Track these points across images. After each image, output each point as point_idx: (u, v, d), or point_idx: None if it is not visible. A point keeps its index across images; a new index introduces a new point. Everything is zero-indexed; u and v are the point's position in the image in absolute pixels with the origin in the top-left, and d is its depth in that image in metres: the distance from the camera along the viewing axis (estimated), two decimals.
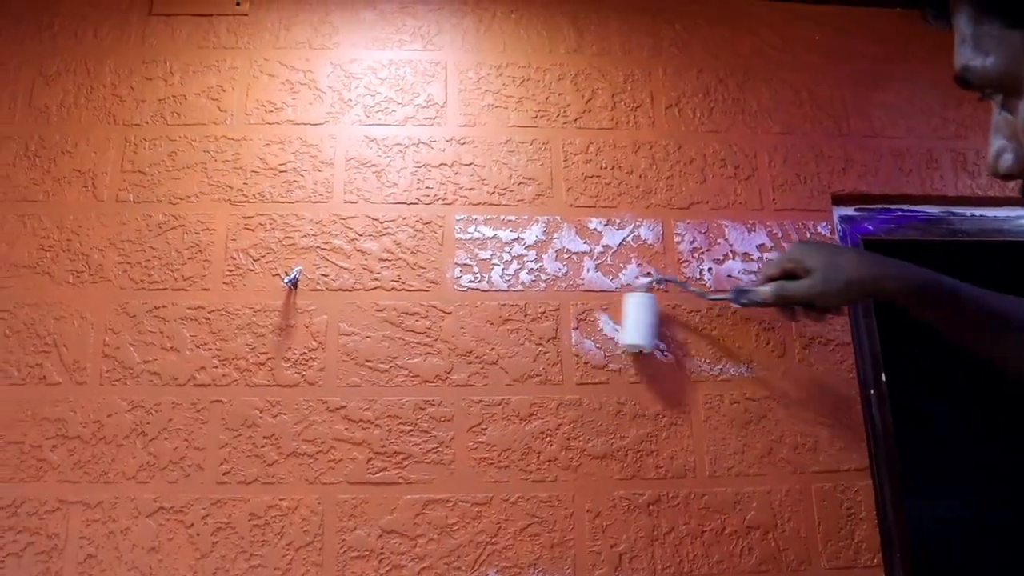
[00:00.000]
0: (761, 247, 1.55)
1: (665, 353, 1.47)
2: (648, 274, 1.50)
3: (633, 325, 1.43)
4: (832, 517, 1.41)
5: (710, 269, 1.53)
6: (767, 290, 1.23)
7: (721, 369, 1.48)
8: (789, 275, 1.21)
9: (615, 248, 1.53)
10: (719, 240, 1.55)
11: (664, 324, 1.48)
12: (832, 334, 1.51)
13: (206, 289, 1.45)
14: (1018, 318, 0.98)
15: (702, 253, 1.54)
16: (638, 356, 1.46)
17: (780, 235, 1.56)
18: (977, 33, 0.63)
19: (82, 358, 1.42)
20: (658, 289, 1.49)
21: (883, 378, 1.54)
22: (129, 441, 1.38)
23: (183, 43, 1.61)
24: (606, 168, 1.58)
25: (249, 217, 1.50)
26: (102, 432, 1.38)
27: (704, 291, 1.48)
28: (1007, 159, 0.64)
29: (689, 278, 1.52)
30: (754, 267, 1.53)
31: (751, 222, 1.56)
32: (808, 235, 1.57)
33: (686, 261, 1.53)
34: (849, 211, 1.64)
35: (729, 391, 1.47)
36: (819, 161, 1.62)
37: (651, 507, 1.39)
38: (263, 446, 1.38)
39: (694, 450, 1.43)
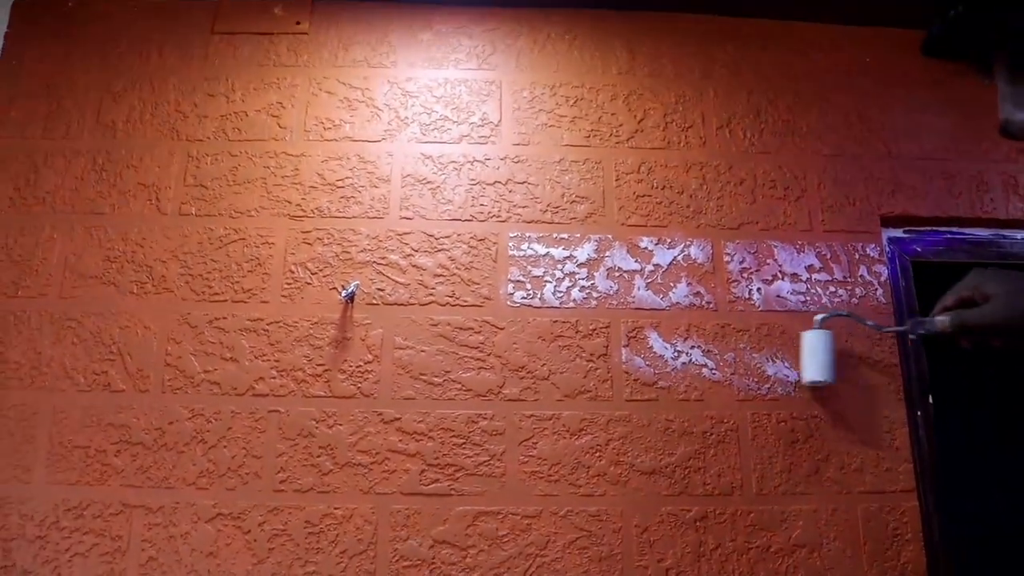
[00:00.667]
0: (810, 268, 1.56)
1: (714, 372, 1.49)
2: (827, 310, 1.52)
3: (811, 362, 1.46)
4: (878, 538, 1.42)
5: (759, 289, 1.54)
6: (944, 320, 1.15)
7: (769, 388, 1.49)
8: (967, 303, 1.13)
9: (665, 267, 1.55)
10: (768, 260, 1.56)
11: (714, 339, 1.50)
12: (880, 355, 1.52)
13: (265, 301, 1.49)
14: None
15: (751, 273, 1.55)
16: (685, 374, 1.48)
17: (829, 256, 1.57)
18: (1015, 91, 0.64)
19: (145, 366, 1.46)
20: (831, 318, 1.51)
21: (930, 400, 1.54)
22: (189, 448, 1.42)
23: (244, 61, 1.66)
24: (657, 188, 1.60)
25: (307, 232, 1.53)
26: (164, 439, 1.42)
27: (880, 325, 1.49)
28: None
29: (739, 298, 1.53)
30: (803, 288, 1.55)
31: (800, 243, 1.58)
32: (857, 256, 1.57)
33: (735, 281, 1.55)
34: (898, 232, 1.64)
35: (776, 410, 1.48)
36: (868, 183, 1.63)
37: (698, 523, 1.40)
38: (319, 456, 1.41)
39: (741, 468, 1.44)
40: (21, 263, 1.52)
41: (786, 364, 1.50)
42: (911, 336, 1.27)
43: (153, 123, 1.61)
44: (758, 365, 1.50)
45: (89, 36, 1.68)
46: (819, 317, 1.48)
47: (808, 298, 1.53)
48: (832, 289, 1.55)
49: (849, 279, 1.56)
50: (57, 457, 1.42)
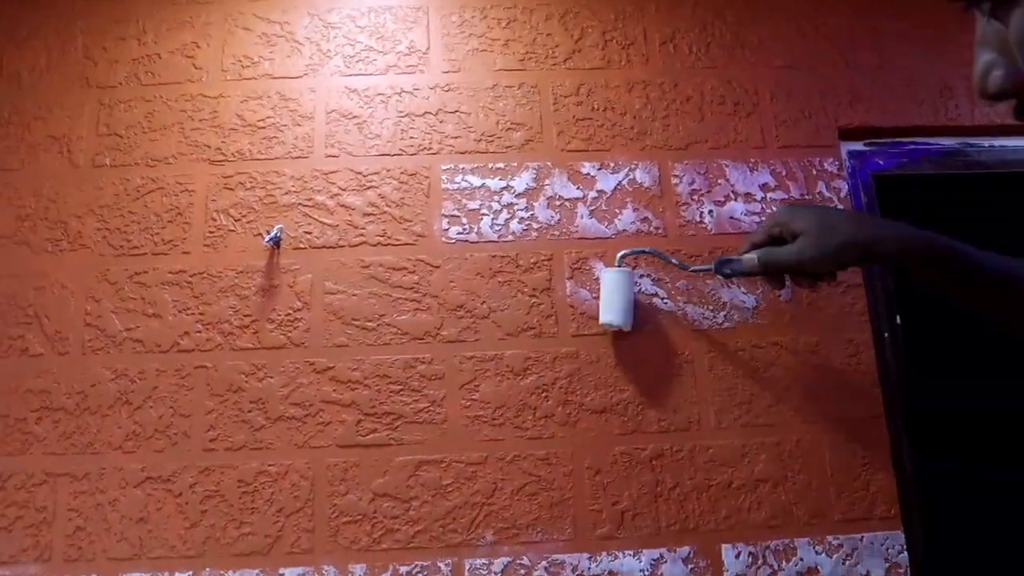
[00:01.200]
0: (764, 187, 1.47)
1: (665, 301, 1.41)
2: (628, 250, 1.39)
3: (607, 303, 1.35)
4: (846, 468, 1.34)
5: (711, 212, 1.46)
6: (752, 257, 1.11)
7: (725, 316, 1.41)
8: (776, 241, 1.10)
9: (610, 193, 1.46)
10: (720, 181, 1.47)
11: (664, 269, 1.41)
12: (843, 275, 1.43)
13: (187, 252, 1.41)
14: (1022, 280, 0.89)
15: (702, 195, 1.46)
16: (635, 305, 1.39)
17: (784, 173, 1.48)
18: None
19: (64, 328, 1.38)
20: (639, 257, 1.42)
21: (898, 320, 1.46)
22: (114, 411, 1.34)
23: (156, 0, 1.55)
24: (598, 110, 1.50)
25: (229, 176, 1.44)
26: (87, 403, 1.35)
27: (684, 263, 1.38)
28: (997, 76, 0.56)
29: (689, 222, 1.44)
30: (757, 208, 1.46)
31: (753, 161, 1.48)
32: (815, 172, 1.48)
33: (685, 204, 1.46)
34: (858, 146, 1.55)
35: (734, 339, 1.40)
36: (825, 95, 1.54)
37: (654, 462, 1.33)
38: (250, 411, 1.34)
39: (698, 401, 1.37)
40: None
41: (742, 289, 1.42)
42: (720, 276, 1.21)
43: (61, 71, 1.51)
44: (712, 292, 1.42)
45: None
46: (621, 253, 1.37)
47: (764, 218, 1.43)
48: None
49: (807, 196, 1.47)
50: None
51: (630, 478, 1.32)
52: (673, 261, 1.36)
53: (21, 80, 1.51)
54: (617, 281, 1.35)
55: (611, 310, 1.34)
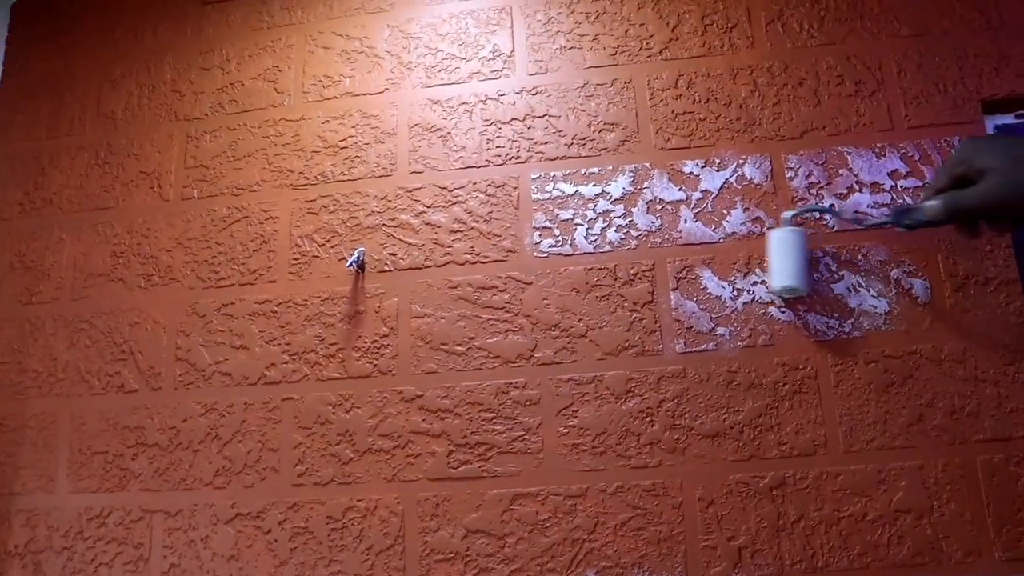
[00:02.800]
0: (894, 174, 1.28)
1: (782, 310, 1.25)
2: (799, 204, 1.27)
3: (780, 266, 1.21)
4: (1005, 496, 1.14)
5: (832, 206, 1.28)
6: (935, 204, 0.97)
7: (853, 324, 1.23)
8: (961, 182, 0.96)
9: (716, 193, 1.32)
10: (841, 171, 1.30)
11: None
12: (992, 271, 1.23)
13: (272, 281, 1.37)
14: None
15: (821, 188, 1.29)
16: (748, 316, 1.24)
17: (918, 157, 1.29)
18: None
19: (156, 363, 1.37)
20: (807, 220, 1.28)
21: None
22: (204, 446, 1.32)
23: (237, 27, 1.54)
24: (700, 102, 1.36)
25: (312, 200, 1.40)
26: (178, 438, 1.33)
27: (860, 217, 1.24)
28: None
29: (807, 219, 1.28)
30: (886, 199, 1.27)
31: (880, 146, 1.30)
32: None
33: (802, 199, 1.29)
34: (1007, 119, 1.33)
35: (864, 350, 1.22)
36: (963, 63, 1.33)
37: (774, 491, 1.17)
38: (338, 443, 1.28)
39: (824, 422, 1.20)
40: (34, 268, 1.47)
41: (872, 293, 1.24)
42: (898, 229, 1.04)
43: (151, 107, 1.52)
44: (838, 297, 1.25)
45: (87, 26, 1.61)
46: (790, 213, 1.23)
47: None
48: None
49: None
50: (78, 464, 1.36)
51: (747, 510, 1.17)
52: (846, 216, 1.23)
53: (116, 119, 1.53)
54: (790, 240, 1.21)
55: (785, 273, 1.21)
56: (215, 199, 1.44)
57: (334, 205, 1.39)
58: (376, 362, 1.30)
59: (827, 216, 1.27)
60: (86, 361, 1.40)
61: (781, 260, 1.21)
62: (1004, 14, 1.35)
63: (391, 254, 1.35)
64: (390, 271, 1.34)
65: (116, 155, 1.50)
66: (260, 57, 1.51)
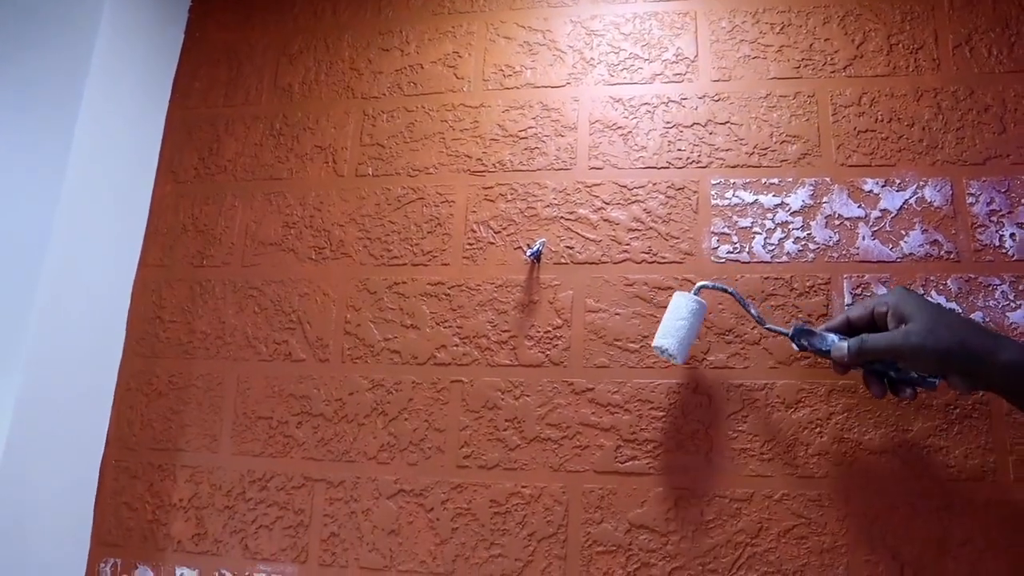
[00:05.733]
0: None
1: None
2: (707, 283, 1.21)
3: (668, 327, 1.17)
4: None
5: (1012, 235, 1.27)
6: (842, 347, 1.04)
7: None
8: (873, 325, 1.02)
9: (895, 212, 1.31)
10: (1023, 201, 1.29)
11: (956, 296, 1.24)
12: None
13: (446, 264, 1.39)
14: None
15: (1002, 216, 1.28)
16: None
17: None
18: None
19: (325, 335, 1.40)
20: (714, 290, 1.23)
21: None
22: (370, 420, 1.34)
23: (418, 11, 1.56)
24: (882, 121, 1.36)
25: (489, 187, 1.42)
26: (344, 410, 1.35)
27: (762, 316, 1.21)
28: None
29: (986, 246, 1.27)
30: None
31: None
32: None
33: (982, 226, 1.28)
34: None
35: None
36: None
37: (940, 513, 1.16)
38: (505, 429, 1.29)
39: (994, 449, 1.18)
40: (206, 232, 1.50)
41: None
42: (796, 348, 1.06)
43: (328, 83, 1.55)
44: (1014, 325, 1.23)
45: (266, 0, 1.64)
46: (699, 285, 1.20)
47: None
48: None
49: None
50: (242, 427, 1.38)
51: (912, 529, 1.16)
52: (752, 311, 1.18)
53: (292, 93, 1.56)
54: (684, 307, 1.17)
55: (668, 334, 1.16)
56: (390, 178, 1.46)
57: (512, 194, 1.40)
58: (548, 352, 1.31)
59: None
60: (254, 327, 1.43)
61: (672, 322, 1.17)
62: None
63: (568, 247, 1.36)
64: (566, 264, 1.35)
65: (291, 127, 1.53)
66: (440, 42, 1.53)
